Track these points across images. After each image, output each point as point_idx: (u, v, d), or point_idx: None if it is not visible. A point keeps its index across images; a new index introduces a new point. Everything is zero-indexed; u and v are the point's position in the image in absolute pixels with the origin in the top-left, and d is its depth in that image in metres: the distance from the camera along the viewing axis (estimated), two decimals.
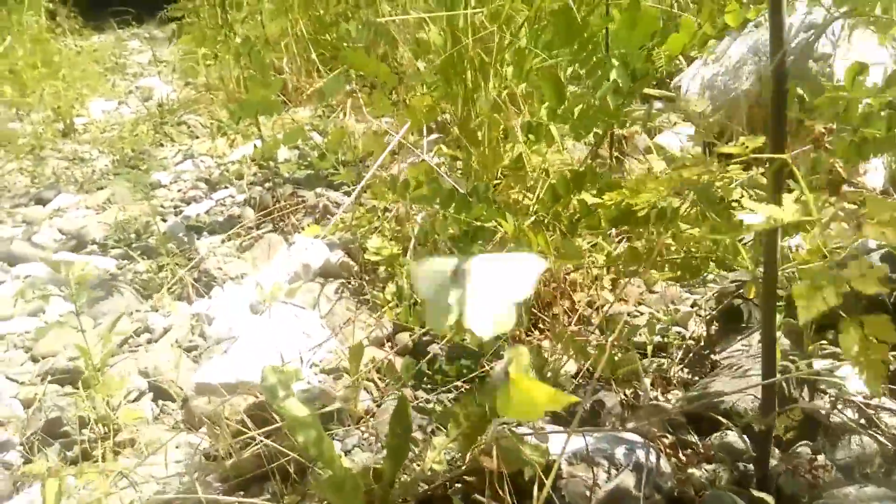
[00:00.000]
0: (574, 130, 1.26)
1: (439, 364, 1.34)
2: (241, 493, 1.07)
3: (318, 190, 2.24)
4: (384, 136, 2.10)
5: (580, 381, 1.28)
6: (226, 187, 2.51)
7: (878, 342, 0.66)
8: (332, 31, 3.29)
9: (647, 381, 1.27)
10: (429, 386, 1.32)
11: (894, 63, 1.94)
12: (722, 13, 1.03)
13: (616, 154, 1.96)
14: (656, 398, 1.28)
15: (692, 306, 1.60)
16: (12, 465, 1.25)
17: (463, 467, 1.02)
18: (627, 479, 0.98)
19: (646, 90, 1.87)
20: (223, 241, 2.05)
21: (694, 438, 1.12)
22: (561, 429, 1.09)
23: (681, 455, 1.09)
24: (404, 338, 1.48)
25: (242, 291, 1.71)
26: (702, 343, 1.44)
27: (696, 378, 1.34)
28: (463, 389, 1.29)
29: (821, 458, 1.00)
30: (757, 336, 1.41)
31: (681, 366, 1.37)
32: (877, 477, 1.01)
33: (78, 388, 1.39)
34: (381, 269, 1.71)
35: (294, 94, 3.28)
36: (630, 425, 1.15)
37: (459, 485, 1.02)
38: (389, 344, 1.51)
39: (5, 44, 4.17)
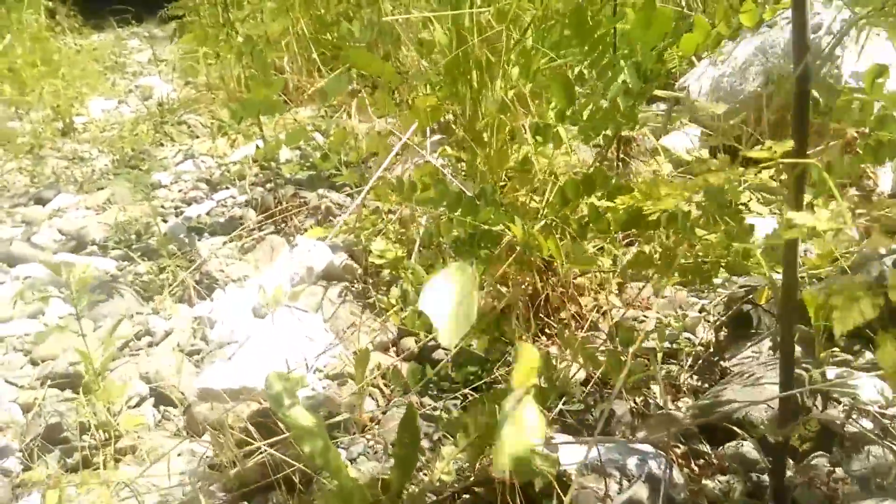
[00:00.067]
0: (583, 132, 1.23)
1: (445, 370, 1.32)
2: (246, 503, 1.05)
3: (321, 191, 2.22)
4: (388, 136, 2.08)
5: (590, 388, 1.26)
6: (227, 188, 2.49)
7: None
8: (333, 31, 3.27)
9: (659, 388, 1.24)
10: (435, 392, 1.29)
11: None
12: (736, 13, 1.01)
13: (622, 156, 1.93)
14: (666, 404, 1.26)
15: (700, 312, 1.58)
16: (11, 472, 1.23)
17: (472, 478, 1.00)
18: (640, 491, 0.96)
19: (654, 91, 1.85)
20: (225, 243, 2.03)
21: (706, 448, 1.09)
22: (571, 438, 1.07)
23: (693, 465, 1.07)
24: (409, 343, 1.46)
25: (244, 294, 1.69)
26: (711, 349, 1.42)
27: (706, 385, 1.32)
28: (469, 396, 1.27)
29: (839, 470, 0.98)
30: (767, 343, 1.39)
31: (690, 373, 1.35)
32: (894, 489, 0.99)
33: (78, 393, 1.37)
34: (385, 271, 1.69)
35: (295, 93, 3.26)
36: (641, 434, 1.13)
37: (468, 496, 1.00)
38: (394, 349, 1.49)
39: (5, 42, 4.15)
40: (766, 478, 1.02)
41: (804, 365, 1.20)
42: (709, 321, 1.52)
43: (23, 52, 4.12)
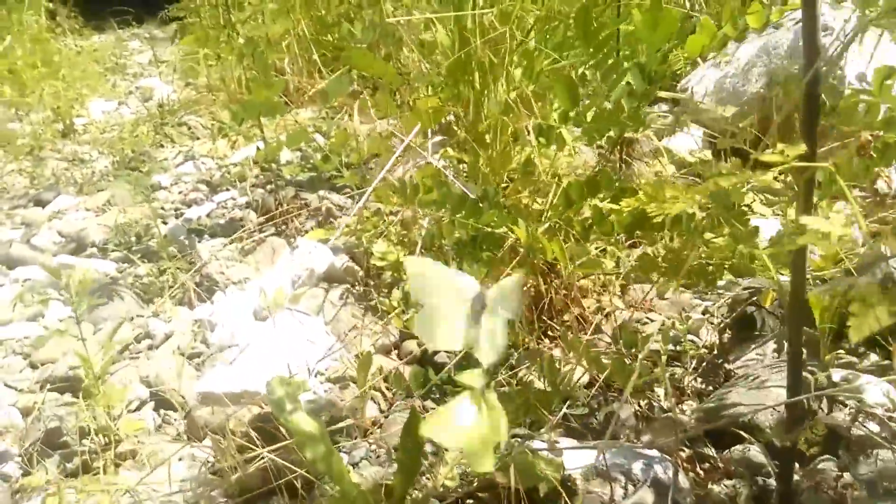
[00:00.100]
0: (587, 134, 1.22)
1: (448, 374, 1.31)
2: None
3: (322, 192, 2.21)
4: (389, 138, 2.07)
5: (594, 391, 1.25)
6: (227, 189, 2.48)
7: None
8: (333, 32, 3.26)
9: (665, 391, 1.23)
10: (437, 396, 1.28)
11: None
12: (742, 14, 1.00)
13: (624, 157, 1.93)
14: (671, 409, 1.25)
15: (703, 313, 1.57)
16: (10, 478, 1.22)
17: (476, 483, 0.99)
18: (646, 496, 0.95)
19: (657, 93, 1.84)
20: (225, 245, 2.02)
21: (712, 452, 1.09)
22: (576, 442, 1.06)
23: (698, 469, 1.06)
24: (411, 345, 1.45)
25: (245, 297, 1.68)
26: (715, 352, 1.41)
27: (710, 388, 1.31)
28: None
29: (847, 475, 0.97)
30: (771, 345, 1.38)
31: (694, 375, 1.34)
32: None
33: (78, 397, 1.36)
34: (387, 273, 1.68)
35: (296, 94, 3.25)
36: (645, 438, 1.12)
37: (472, 501, 0.99)
38: (396, 352, 1.48)
39: (5, 43, 4.14)
40: (772, 481, 1.01)
41: (809, 367, 1.19)
42: (712, 323, 1.51)
43: (23, 54, 4.11)
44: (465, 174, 1.82)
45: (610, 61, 1.10)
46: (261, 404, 1.20)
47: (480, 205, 1.22)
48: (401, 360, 1.44)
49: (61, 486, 1.13)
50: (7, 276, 1.96)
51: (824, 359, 1.25)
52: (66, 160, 3.00)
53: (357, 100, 2.58)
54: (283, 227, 2.06)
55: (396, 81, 2.09)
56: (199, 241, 2.08)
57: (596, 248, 1.48)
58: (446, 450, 1.05)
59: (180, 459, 1.19)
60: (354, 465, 1.15)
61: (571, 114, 1.22)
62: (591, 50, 1.10)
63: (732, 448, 1.07)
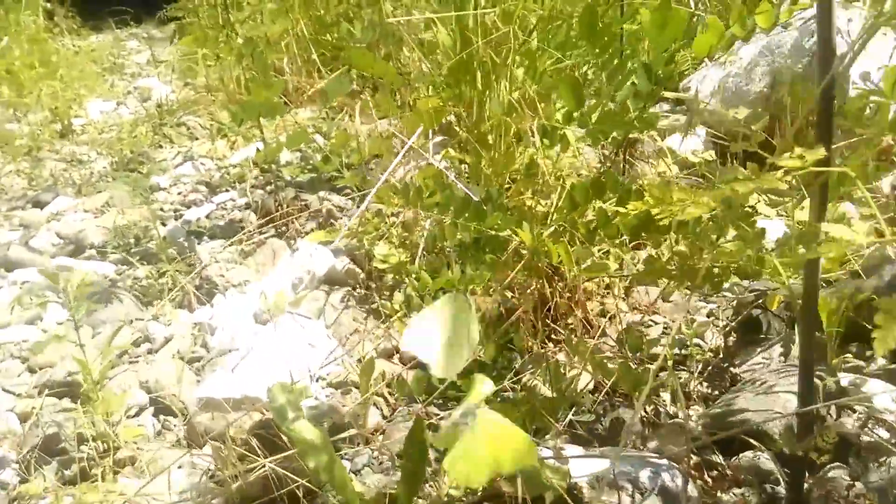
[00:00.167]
0: (592, 135, 1.21)
1: (451, 379, 1.29)
2: None
3: (322, 194, 2.19)
4: (390, 138, 2.05)
5: (598, 396, 1.23)
6: (227, 191, 2.46)
7: None
8: (332, 32, 3.25)
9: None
10: (441, 402, 1.27)
11: None
12: (751, 13, 0.99)
13: (627, 158, 1.91)
14: (677, 414, 1.23)
15: (708, 316, 1.55)
16: (8, 485, 1.20)
17: (480, 492, 0.97)
18: None
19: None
20: (225, 247, 2.00)
21: (719, 459, 1.07)
22: (581, 449, 1.04)
23: (706, 477, 1.04)
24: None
25: (245, 300, 1.66)
26: (720, 355, 1.39)
27: (717, 392, 1.29)
28: None
29: (858, 484, 0.95)
30: (777, 349, 1.37)
31: (700, 379, 1.33)
32: None
33: (77, 402, 1.35)
34: (388, 276, 1.66)
35: (295, 94, 3.24)
36: (653, 445, 1.10)
37: None
38: (398, 356, 1.47)
39: (2, 44, 4.12)
40: (780, 489, 1.00)
41: (817, 372, 1.18)
42: (717, 326, 1.50)
43: (20, 54, 4.10)
44: (466, 175, 1.80)
45: (615, 61, 1.08)
46: (262, 410, 1.18)
47: (484, 207, 1.21)
48: (403, 364, 1.42)
49: (59, 493, 1.11)
50: (5, 279, 1.95)
51: (832, 363, 1.23)
52: (65, 161, 2.98)
53: (356, 100, 2.57)
54: (284, 228, 2.04)
55: (397, 81, 2.07)
56: (198, 243, 2.06)
57: (600, 251, 1.47)
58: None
59: (180, 467, 1.17)
60: (357, 472, 1.14)
61: (576, 114, 1.21)
62: (597, 50, 1.08)
63: (741, 455, 1.05)
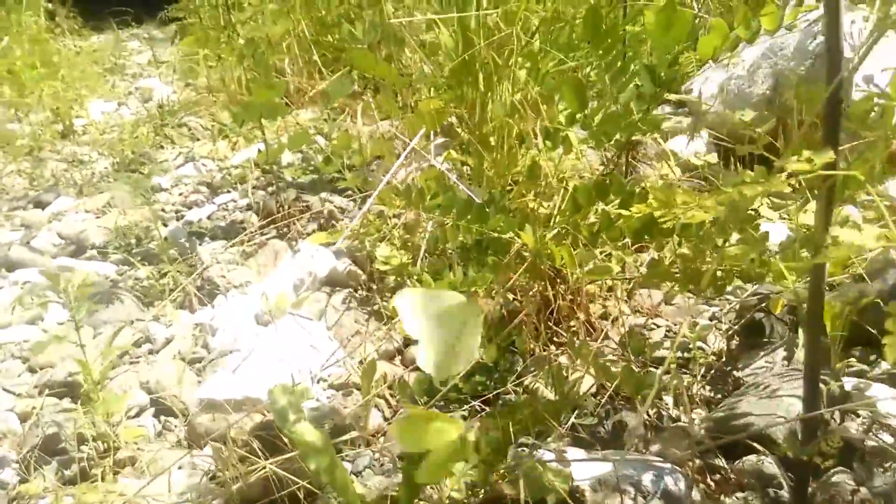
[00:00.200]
0: (595, 137, 1.20)
1: (453, 381, 1.29)
2: None
3: (323, 195, 2.19)
4: (392, 140, 2.05)
5: (601, 399, 1.23)
6: (228, 191, 2.45)
7: None
8: (334, 33, 3.24)
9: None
10: (442, 404, 1.26)
11: None
12: (756, 15, 0.98)
13: (629, 160, 1.91)
14: (679, 418, 1.23)
15: (711, 319, 1.55)
16: (8, 484, 1.20)
17: (483, 495, 0.96)
18: None
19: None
20: (226, 248, 2.00)
21: (722, 463, 1.06)
22: (584, 452, 1.04)
23: (709, 480, 1.04)
24: (416, 351, 1.43)
25: (247, 301, 1.66)
26: (723, 359, 1.39)
27: (719, 396, 1.29)
28: (477, 407, 1.24)
29: (863, 490, 0.95)
30: (781, 353, 1.36)
31: (702, 383, 1.32)
32: None
33: (77, 402, 1.34)
34: (390, 278, 1.66)
35: (296, 95, 3.23)
36: (655, 448, 1.10)
37: None
38: (400, 357, 1.46)
39: (3, 44, 4.12)
40: (784, 493, 0.99)
41: (821, 376, 1.17)
42: (720, 329, 1.49)
43: (22, 54, 4.09)
44: (468, 177, 1.80)
45: (619, 63, 1.08)
46: (263, 412, 1.18)
47: (486, 209, 1.20)
48: (405, 366, 1.42)
49: (59, 493, 1.11)
50: (6, 279, 1.94)
51: (835, 367, 1.23)
52: (66, 161, 2.98)
53: (357, 101, 2.56)
54: (285, 229, 2.04)
55: (399, 83, 2.07)
56: (199, 244, 2.06)
57: (602, 253, 1.46)
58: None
59: (180, 468, 1.17)
60: (357, 473, 1.13)
61: (579, 116, 1.20)
62: (601, 52, 1.08)
63: (744, 459, 1.05)
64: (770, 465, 1.01)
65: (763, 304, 1.44)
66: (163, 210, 2.37)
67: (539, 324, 1.36)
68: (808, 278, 0.76)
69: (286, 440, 1.04)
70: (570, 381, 1.15)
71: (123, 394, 1.33)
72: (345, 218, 2.04)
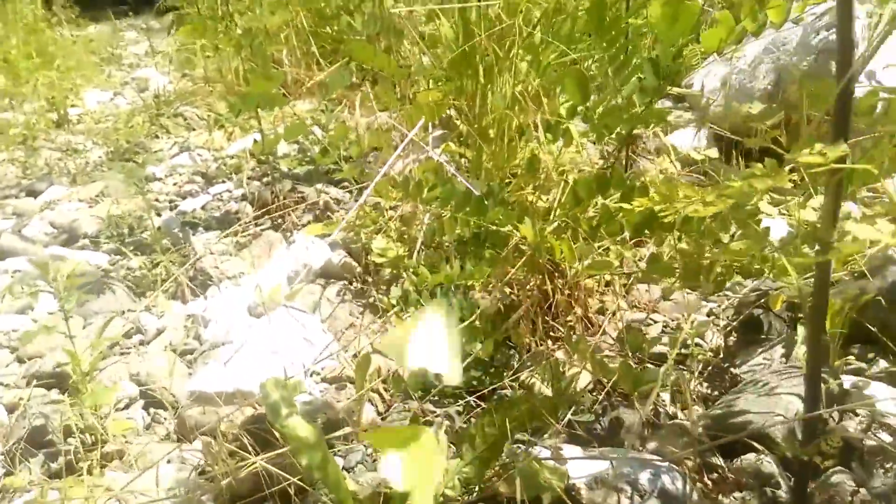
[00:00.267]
0: (597, 130, 1.18)
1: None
2: None
3: (319, 186, 2.17)
4: (390, 131, 2.03)
5: (597, 395, 1.21)
6: (223, 182, 2.43)
7: None
8: (332, 24, 3.22)
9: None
10: (437, 398, 1.24)
11: None
12: (763, 7, 0.96)
13: (628, 154, 1.89)
14: (676, 415, 1.21)
15: (708, 315, 1.53)
16: None
17: (477, 492, 0.95)
18: None
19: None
20: (220, 238, 1.97)
21: (720, 461, 1.05)
22: (580, 450, 1.02)
23: (706, 479, 1.02)
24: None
25: (240, 292, 1.64)
26: (721, 355, 1.37)
27: (716, 393, 1.27)
28: (472, 402, 1.22)
29: (863, 491, 0.93)
30: (779, 350, 1.35)
31: (700, 379, 1.31)
32: None
33: (65, 394, 1.32)
34: (386, 270, 1.64)
35: (293, 86, 3.21)
36: (652, 446, 1.08)
37: None
38: None
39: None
40: (781, 493, 0.97)
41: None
42: (717, 325, 1.47)
43: (18, 43, 4.06)
44: (466, 170, 1.78)
45: (622, 56, 1.06)
46: (254, 405, 1.15)
47: (485, 201, 1.18)
48: None
49: (45, 487, 1.09)
50: None
51: (834, 364, 1.21)
52: (60, 150, 2.95)
53: (356, 92, 2.54)
54: (280, 220, 2.02)
55: (397, 74, 2.04)
56: (193, 234, 2.04)
57: (599, 247, 1.45)
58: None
59: (169, 462, 1.15)
60: (350, 469, 1.11)
61: (580, 109, 1.18)
62: (604, 44, 1.06)
63: (742, 457, 1.03)
64: (769, 465, 0.99)
65: (762, 301, 1.42)
66: (156, 200, 2.35)
67: (536, 318, 1.34)
68: (812, 275, 0.74)
69: (278, 434, 1.02)
70: (567, 376, 1.13)
71: (112, 385, 1.31)
72: (340, 209, 2.02)
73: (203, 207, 2.24)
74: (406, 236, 1.65)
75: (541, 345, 1.34)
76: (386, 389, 1.29)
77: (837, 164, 0.57)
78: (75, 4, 5.51)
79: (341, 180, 2.16)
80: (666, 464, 0.98)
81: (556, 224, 1.16)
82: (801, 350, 1.28)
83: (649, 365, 1.29)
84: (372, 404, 1.26)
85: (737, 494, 0.99)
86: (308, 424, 0.87)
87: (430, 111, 1.65)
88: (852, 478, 0.96)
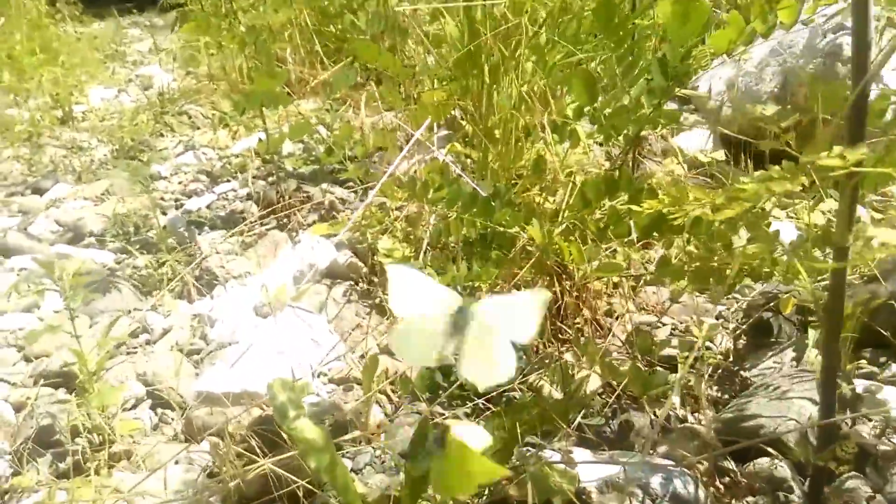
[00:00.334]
0: (604, 131, 1.18)
1: (456, 376, 1.26)
2: None
3: (324, 186, 2.16)
4: (395, 131, 2.02)
5: (607, 398, 1.20)
6: (228, 181, 2.43)
7: None
8: (336, 22, 3.21)
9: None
10: (445, 400, 1.24)
11: None
12: (773, 8, 0.95)
13: (635, 156, 1.88)
14: (686, 418, 1.21)
15: (717, 318, 1.52)
16: (1, 476, 1.18)
17: (486, 495, 0.94)
18: None
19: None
20: (225, 238, 1.97)
21: (732, 465, 1.04)
22: (590, 453, 1.01)
23: (718, 483, 1.02)
24: None
25: (246, 292, 1.63)
26: (730, 358, 1.37)
27: (726, 396, 1.27)
28: (481, 404, 1.22)
29: (879, 497, 0.93)
30: (789, 353, 1.34)
31: (710, 383, 1.30)
32: None
33: (72, 394, 1.32)
34: None
35: (298, 85, 3.20)
36: (662, 449, 1.07)
37: None
38: None
39: (3, 29, 4.08)
40: (794, 497, 0.97)
41: None
42: (727, 329, 1.47)
43: (22, 39, 4.06)
44: (472, 170, 1.77)
45: (631, 56, 1.05)
46: (262, 406, 1.15)
47: (492, 202, 1.18)
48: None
49: (53, 487, 1.08)
50: (2, 266, 1.92)
51: (846, 369, 1.21)
52: (65, 147, 2.95)
53: (360, 91, 2.54)
54: (285, 220, 2.01)
55: (403, 74, 2.04)
56: (198, 233, 2.03)
57: (607, 249, 1.44)
58: None
59: (177, 463, 1.14)
60: (358, 471, 1.11)
61: (588, 109, 1.18)
62: (612, 45, 1.05)
63: (755, 462, 1.03)
64: (782, 469, 0.98)
65: (771, 304, 1.42)
66: (162, 198, 2.34)
67: (544, 320, 1.33)
68: (823, 278, 0.73)
69: (285, 437, 1.02)
70: (576, 379, 1.13)
71: (119, 385, 1.30)
72: (346, 209, 2.01)
73: (208, 206, 2.24)
74: (412, 237, 1.65)
75: (549, 347, 1.33)
76: (394, 391, 1.29)
77: (856, 168, 0.56)
78: (79, 1, 5.50)
79: (346, 180, 2.16)
80: (678, 468, 0.98)
81: (564, 226, 1.15)
82: (811, 354, 1.28)
83: (659, 368, 1.28)
84: (380, 405, 1.25)
85: (749, 499, 0.98)
86: (316, 427, 0.87)
87: (436, 111, 1.64)
88: (868, 483, 0.96)
